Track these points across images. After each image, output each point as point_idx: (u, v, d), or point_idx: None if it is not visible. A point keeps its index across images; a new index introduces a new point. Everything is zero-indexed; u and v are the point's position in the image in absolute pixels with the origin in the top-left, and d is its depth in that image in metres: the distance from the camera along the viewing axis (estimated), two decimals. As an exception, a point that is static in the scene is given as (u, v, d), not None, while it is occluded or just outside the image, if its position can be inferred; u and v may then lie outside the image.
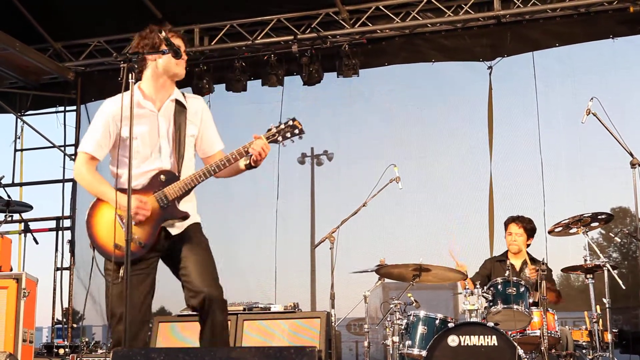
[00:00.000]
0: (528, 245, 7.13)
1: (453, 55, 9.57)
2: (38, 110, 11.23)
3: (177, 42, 4.31)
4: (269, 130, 4.23)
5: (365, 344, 6.57)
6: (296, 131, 4.23)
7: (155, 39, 4.23)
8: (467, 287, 6.26)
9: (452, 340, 5.66)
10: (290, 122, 4.24)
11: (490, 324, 5.72)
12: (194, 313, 7.37)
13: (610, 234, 7.36)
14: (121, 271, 4.01)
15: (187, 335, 7.43)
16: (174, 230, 4.24)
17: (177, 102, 4.31)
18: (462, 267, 6.57)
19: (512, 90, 9.44)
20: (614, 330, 6.04)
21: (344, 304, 7.71)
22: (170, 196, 4.15)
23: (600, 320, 6.10)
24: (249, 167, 4.22)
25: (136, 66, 4.07)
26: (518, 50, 9.28)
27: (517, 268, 7.01)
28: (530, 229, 7.08)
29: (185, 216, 4.20)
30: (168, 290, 4.50)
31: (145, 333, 4.23)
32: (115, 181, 4.13)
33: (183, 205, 4.23)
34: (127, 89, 3.99)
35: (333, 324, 6.65)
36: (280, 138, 4.21)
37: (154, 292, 4.30)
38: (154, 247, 4.18)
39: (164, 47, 4.17)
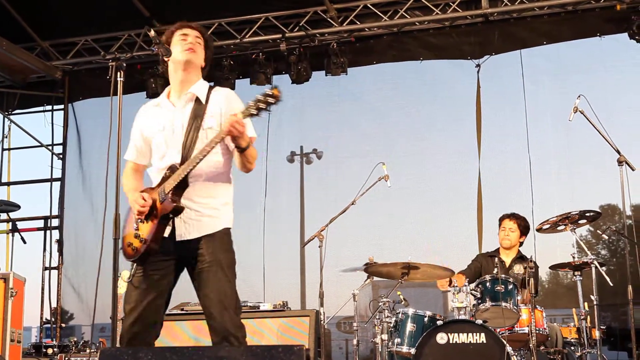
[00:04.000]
0: (521, 244, 7.17)
1: (441, 54, 9.59)
2: (25, 109, 11.20)
3: (187, 31, 4.27)
4: (246, 104, 3.93)
5: (355, 342, 6.58)
6: (270, 100, 3.81)
7: (166, 37, 4.25)
8: (454, 284, 6.25)
9: (441, 338, 5.67)
10: (268, 92, 3.83)
11: (479, 322, 5.73)
12: (183, 312, 7.42)
13: (599, 231, 7.40)
14: (132, 270, 4.05)
15: (180, 332, 7.41)
16: (181, 235, 4.10)
17: (197, 98, 4.22)
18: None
19: (500, 88, 9.47)
20: (602, 327, 6.07)
21: (333, 302, 7.72)
22: (166, 189, 4.04)
23: (589, 317, 6.12)
24: (239, 150, 4.03)
25: (124, 64, 4.06)
26: (506, 48, 9.31)
27: (507, 265, 7.03)
28: (524, 227, 7.13)
29: (175, 209, 4.02)
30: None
31: (152, 335, 4.14)
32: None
33: (193, 200, 4.11)
34: (115, 87, 3.98)
35: (322, 322, 6.65)
36: (254, 111, 3.85)
37: (169, 297, 4.22)
38: (160, 248, 4.07)
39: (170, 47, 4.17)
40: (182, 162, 4.09)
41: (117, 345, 4.04)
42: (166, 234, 4.10)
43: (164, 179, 4.10)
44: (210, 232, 4.14)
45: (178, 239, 4.10)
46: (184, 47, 4.20)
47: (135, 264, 4.10)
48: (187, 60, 4.21)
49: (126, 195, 4.24)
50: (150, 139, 4.27)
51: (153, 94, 9.87)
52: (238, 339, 4.05)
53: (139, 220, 4.09)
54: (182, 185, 4.07)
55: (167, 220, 4.08)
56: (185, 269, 4.22)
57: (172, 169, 4.09)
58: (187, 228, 4.11)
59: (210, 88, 4.32)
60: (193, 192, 4.12)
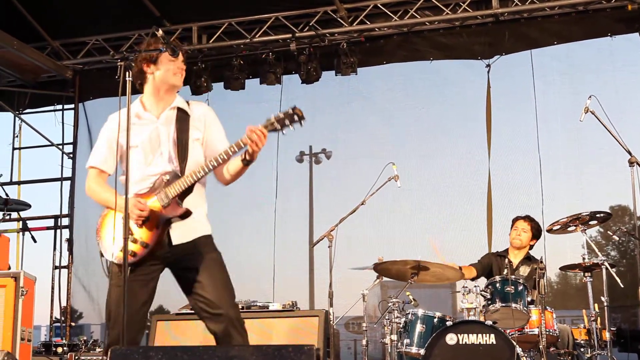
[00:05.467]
0: (531, 247, 7.16)
1: (451, 54, 9.56)
2: (36, 109, 11.23)
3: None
4: (268, 119, 4.08)
5: (364, 342, 6.57)
6: (296, 118, 4.00)
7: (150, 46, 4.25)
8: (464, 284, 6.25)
9: (451, 339, 5.66)
10: (290, 111, 4.03)
11: (489, 323, 5.72)
12: (193, 312, 7.41)
13: (609, 232, 7.37)
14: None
15: (188, 331, 7.42)
16: (177, 238, 4.16)
17: (179, 109, 4.31)
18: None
19: (510, 89, 9.44)
20: (612, 329, 6.04)
21: (342, 303, 7.71)
22: (170, 194, 4.10)
23: (599, 318, 6.10)
24: (245, 162, 4.11)
25: (133, 65, 4.07)
26: (516, 49, 9.28)
27: (515, 265, 7.02)
28: (536, 229, 7.15)
29: (185, 213, 4.10)
30: (167, 288, 4.49)
31: (137, 341, 4.20)
32: (125, 190, 4.01)
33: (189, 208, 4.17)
34: (124, 87, 3.98)
35: (331, 322, 6.65)
36: (278, 126, 4.02)
37: (152, 301, 4.27)
38: (155, 253, 4.12)
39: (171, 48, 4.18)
40: (182, 171, 4.16)
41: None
42: (165, 239, 4.16)
43: (163, 184, 4.14)
44: (201, 235, 4.25)
45: (175, 242, 4.16)
46: (175, 71, 4.28)
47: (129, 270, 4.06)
48: (177, 85, 4.34)
49: (98, 200, 4.28)
50: (132, 148, 4.18)
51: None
52: (242, 325, 4.15)
53: (136, 225, 4.11)
54: (188, 191, 4.14)
55: (169, 225, 4.13)
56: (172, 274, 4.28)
57: (172, 175, 4.15)
58: (181, 233, 4.18)
59: (187, 102, 4.40)
60: (187, 200, 4.18)
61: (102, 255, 4.20)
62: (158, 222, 4.10)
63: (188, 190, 4.14)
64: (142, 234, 4.10)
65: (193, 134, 4.27)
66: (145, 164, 4.24)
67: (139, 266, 4.09)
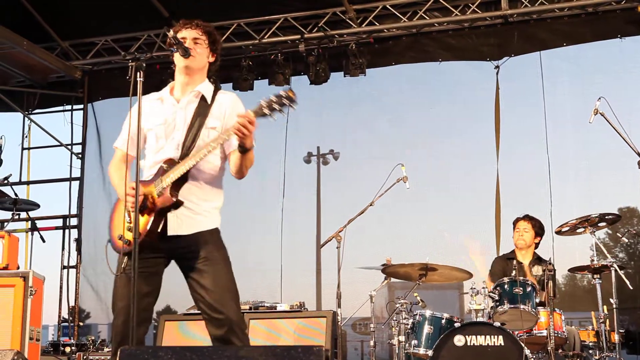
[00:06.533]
0: (537, 245, 7.16)
1: (460, 55, 9.55)
2: (45, 109, 11.25)
3: (184, 33, 4.29)
4: (258, 104, 3.87)
5: (371, 343, 6.57)
6: (284, 101, 3.76)
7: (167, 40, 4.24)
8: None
9: (459, 340, 5.66)
10: (283, 93, 3.79)
11: (497, 324, 5.71)
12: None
13: (617, 234, 7.35)
14: (123, 263, 3.95)
15: (196, 331, 7.43)
16: (173, 229, 4.04)
17: (202, 96, 4.23)
18: None
19: (519, 90, 9.42)
20: (620, 331, 6.03)
21: (350, 304, 7.71)
22: (164, 183, 4.00)
23: (607, 320, 6.08)
24: (241, 150, 3.96)
25: (144, 65, 4.06)
26: (525, 50, 9.26)
27: (525, 266, 7.01)
28: (538, 227, 7.15)
29: (176, 203, 3.96)
30: (173, 288, 4.47)
31: (142, 333, 4.09)
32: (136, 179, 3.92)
33: (190, 199, 4.06)
34: (135, 87, 3.98)
35: (339, 323, 6.64)
36: (267, 111, 3.80)
37: (158, 294, 4.18)
38: (153, 244, 4.01)
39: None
40: (182, 158, 4.06)
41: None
42: (159, 228, 4.04)
43: (162, 172, 4.05)
44: (203, 229, 4.13)
45: (171, 233, 4.04)
46: (180, 52, 4.17)
47: (125, 258, 3.97)
48: (185, 66, 4.22)
49: (115, 188, 4.22)
50: (147, 132, 4.23)
51: (172, 94, 9.91)
52: (242, 330, 4.05)
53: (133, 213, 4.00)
54: (182, 181, 4.03)
55: (164, 215, 4.02)
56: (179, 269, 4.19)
57: (170, 163, 4.05)
58: (179, 224, 4.07)
59: (217, 89, 4.33)
60: (190, 192, 4.08)
61: (107, 242, 4.13)
62: (153, 211, 4.00)
63: (182, 179, 4.02)
64: (140, 223, 3.96)
65: (210, 122, 4.15)
66: (155, 149, 4.18)
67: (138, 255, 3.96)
